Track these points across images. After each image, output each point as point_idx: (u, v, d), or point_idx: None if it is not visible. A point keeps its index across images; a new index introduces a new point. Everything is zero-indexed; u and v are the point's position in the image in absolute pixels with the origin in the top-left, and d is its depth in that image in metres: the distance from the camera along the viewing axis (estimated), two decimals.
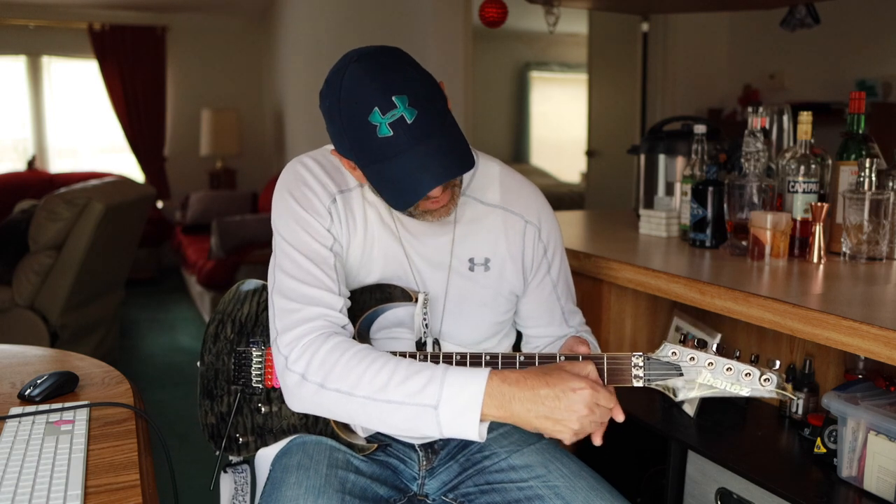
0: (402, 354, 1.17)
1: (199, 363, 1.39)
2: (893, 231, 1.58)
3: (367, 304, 1.23)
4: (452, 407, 1.00)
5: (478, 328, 1.29)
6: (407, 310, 1.25)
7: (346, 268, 1.23)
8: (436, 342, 1.26)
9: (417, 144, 1.04)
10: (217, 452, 1.36)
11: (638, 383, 1.09)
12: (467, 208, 1.29)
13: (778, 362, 1.07)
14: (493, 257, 1.28)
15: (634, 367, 1.09)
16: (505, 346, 1.37)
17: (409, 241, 1.26)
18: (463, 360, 1.14)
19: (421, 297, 1.22)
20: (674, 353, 1.08)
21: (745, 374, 1.05)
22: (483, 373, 1.01)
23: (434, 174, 1.05)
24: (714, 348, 1.08)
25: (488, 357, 1.13)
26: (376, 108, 1.03)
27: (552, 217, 1.37)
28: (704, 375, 1.07)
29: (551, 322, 1.37)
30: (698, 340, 1.09)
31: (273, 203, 1.22)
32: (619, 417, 1.07)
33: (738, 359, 1.07)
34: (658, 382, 1.09)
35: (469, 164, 1.07)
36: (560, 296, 1.37)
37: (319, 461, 1.20)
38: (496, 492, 1.25)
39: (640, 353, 1.09)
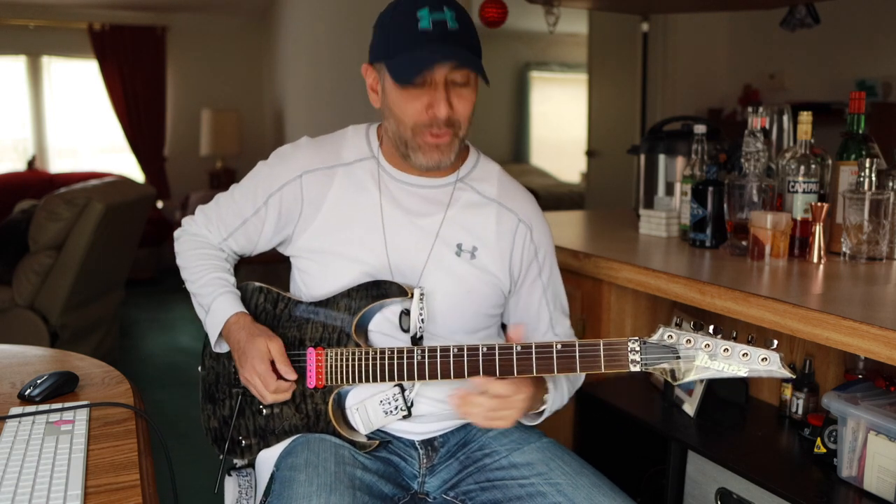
0: (401, 350, 1.18)
1: (199, 368, 1.40)
2: (893, 231, 1.58)
3: (363, 302, 1.24)
4: (210, 320, 1.31)
5: (463, 315, 1.29)
6: (404, 305, 1.25)
7: (317, 237, 1.29)
8: (419, 338, 1.25)
9: (446, 44, 1.16)
10: (221, 456, 1.36)
11: (635, 368, 1.08)
12: (464, 194, 1.31)
13: (776, 341, 1.05)
14: (481, 247, 1.29)
15: (631, 351, 1.08)
16: None
17: (394, 217, 1.27)
18: (460, 354, 1.14)
19: (416, 293, 1.22)
20: (670, 336, 1.07)
21: (743, 355, 1.04)
22: (229, 313, 1.28)
23: (449, 57, 1.15)
24: (711, 330, 1.07)
25: (485, 349, 1.13)
26: (427, 7, 1.16)
27: (545, 225, 1.38)
28: (702, 357, 1.06)
29: (537, 328, 1.36)
30: (695, 323, 1.08)
31: None
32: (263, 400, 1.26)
33: (736, 339, 1.06)
34: (655, 366, 1.08)
35: (479, 70, 1.17)
36: (549, 301, 1.37)
37: (327, 458, 1.20)
38: (497, 489, 1.25)
39: (637, 338, 1.09)
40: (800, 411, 1.64)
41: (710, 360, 1.05)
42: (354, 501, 1.12)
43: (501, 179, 1.35)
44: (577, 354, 1.10)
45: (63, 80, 6.82)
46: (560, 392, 1.30)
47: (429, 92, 1.18)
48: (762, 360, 1.04)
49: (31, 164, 6.67)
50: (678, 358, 1.07)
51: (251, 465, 1.38)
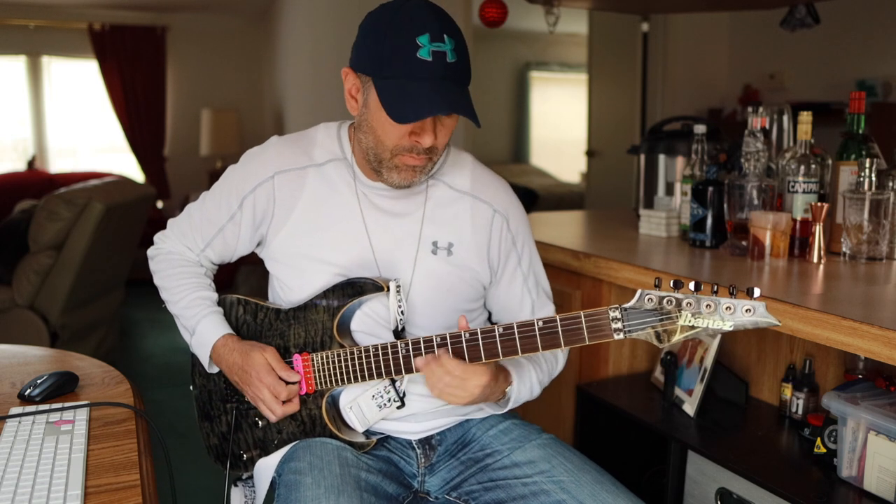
0: (385, 346, 1.18)
1: (191, 387, 1.40)
2: (893, 231, 1.58)
3: (341, 302, 1.23)
4: (196, 342, 1.31)
5: (442, 313, 1.29)
6: (381, 300, 1.24)
7: (290, 239, 1.28)
8: (401, 330, 1.26)
9: (445, 81, 1.12)
10: (225, 472, 1.35)
11: (619, 336, 1.06)
12: (436, 191, 1.30)
13: (758, 290, 1.02)
14: (457, 243, 1.29)
15: (613, 320, 1.06)
16: None
17: (374, 218, 1.26)
18: (444, 342, 1.14)
19: (392, 286, 1.22)
20: (650, 300, 1.04)
21: (726, 308, 1.01)
22: (216, 336, 1.28)
23: (448, 105, 1.11)
24: (692, 287, 1.04)
25: (468, 335, 1.13)
26: (428, 34, 1.10)
27: (521, 211, 1.37)
28: (685, 316, 1.03)
29: (520, 315, 1.36)
30: (675, 281, 1.05)
31: None
32: (270, 417, 1.26)
33: (717, 293, 1.02)
34: (639, 332, 1.06)
35: (475, 118, 1.14)
36: (531, 289, 1.37)
37: (331, 461, 1.20)
38: (500, 488, 1.25)
39: (617, 306, 1.07)
40: (800, 411, 1.64)
41: (693, 317, 1.03)
42: (362, 502, 1.13)
43: (474, 170, 1.34)
44: (560, 329, 1.09)
45: (63, 80, 6.82)
46: (528, 385, 1.30)
47: (415, 122, 1.13)
48: (746, 311, 1.01)
49: (31, 164, 6.67)
50: (661, 320, 1.04)
51: None
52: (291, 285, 1.29)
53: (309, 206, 1.27)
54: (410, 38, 1.10)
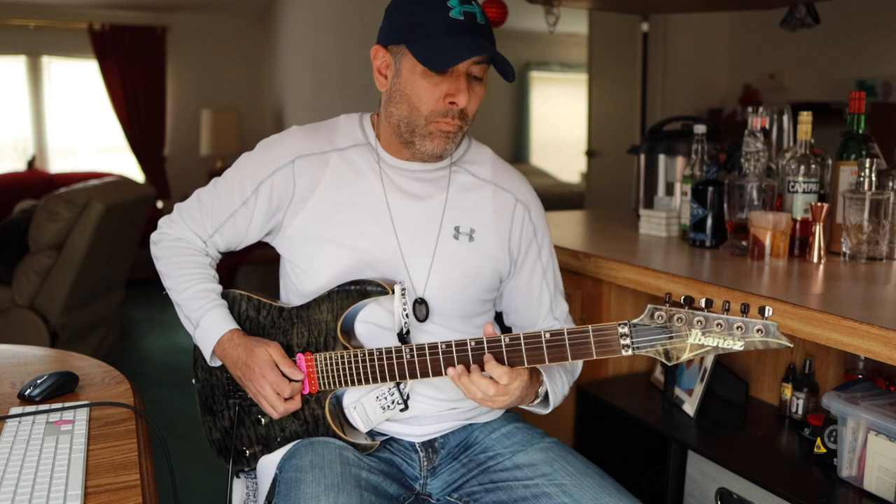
0: (389, 350, 1.18)
1: (193, 380, 1.40)
2: (893, 231, 1.58)
3: (345, 303, 1.23)
4: (200, 335, 1.29)
5: (460, 300, 1.29)
6: (388, 300, 1.24)
7: (310, 222, 1.27)
8: (421, 301, 1.26)
9: (476, 38, 1.16)
10: (228, 467, 1.35)
11: (627, 352, 1.05)
12: (458, 177, 1.31)
13: (770, 309, 0.99)
14: (479, 229, 1.29)
15: (622, 336, 1.05)
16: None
17: (398, 200, 1.27)
18: (449, 349, 1.13)
19: (398, 289, 1.21)
20: (660, 316, 1.02)
21: (737, 327, 0.99)
22: (222, 331, 1.26)
23: (484, 51, 1.15)
24: (703, 303, 1.02)
25: (473, 343, 1.12)
26: None
27: (541, 205, 1.39)
28: (695, 334, 1.01)
29: (538, 313, 1.37)
30: (685, 297, 1.02)
31: None
32: (272, 414, 1.25)
33: (728, 312, 1.01)
34: (648, 349, 1.04)
35: (509, 68, 1.18)
36: (549, 283, 1.37)
37: (332, 460, 1.20)
38: (501, 490, 1.25)
39: (626, 322, 1.05)
40: (800, 411, 1.64)
41: (703, 336, 1.00)
42: (362, 501, 1.12)
43: (495, 161, 1.36)
44: (567, 342, 1.08)
45: (63, 80, 6.82)
46: (559, 382, 1.29)
47: (450, 81, 1.17)
48: (758, 331, 0.99)
49: (31, 164, 6.67)
50: (671, 338, 1.02)
51: None
52: (307, 270, 1.28)
53: (330, 189, 1.27)
54: (441, 1, 1.16)
